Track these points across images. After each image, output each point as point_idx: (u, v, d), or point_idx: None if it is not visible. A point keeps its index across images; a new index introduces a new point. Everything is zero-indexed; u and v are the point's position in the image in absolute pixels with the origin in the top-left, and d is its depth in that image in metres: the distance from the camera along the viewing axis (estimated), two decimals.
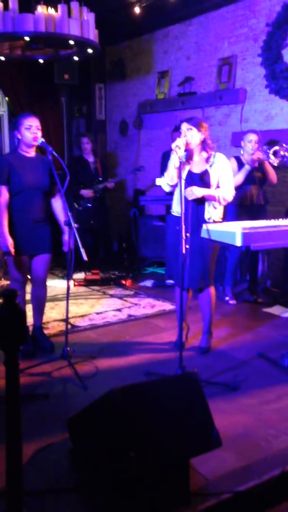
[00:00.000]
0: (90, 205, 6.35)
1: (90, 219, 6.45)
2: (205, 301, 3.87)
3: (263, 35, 5.49)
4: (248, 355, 3.82)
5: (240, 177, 4.83)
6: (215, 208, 3.66)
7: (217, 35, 6.07)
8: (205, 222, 3.60)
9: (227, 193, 3.64)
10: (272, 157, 4.69)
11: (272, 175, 4.89)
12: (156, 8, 5.89)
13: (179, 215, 3.67)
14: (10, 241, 3.60)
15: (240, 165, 4.91)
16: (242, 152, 4.97)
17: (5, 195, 3.63)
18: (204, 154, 3.67)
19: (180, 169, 3.36)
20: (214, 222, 3.63)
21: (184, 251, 3.19)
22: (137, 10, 5.87)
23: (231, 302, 5.15)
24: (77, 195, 6.33)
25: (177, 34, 6.63)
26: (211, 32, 6.14)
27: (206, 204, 3.65)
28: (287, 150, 4.61)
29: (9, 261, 3.72)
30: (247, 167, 4.80)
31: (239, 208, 4.96)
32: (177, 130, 3.66)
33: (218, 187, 3.65)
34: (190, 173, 3.67)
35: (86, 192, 6.34)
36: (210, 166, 3.65)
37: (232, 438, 2.64)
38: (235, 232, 3.15)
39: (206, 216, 3.65)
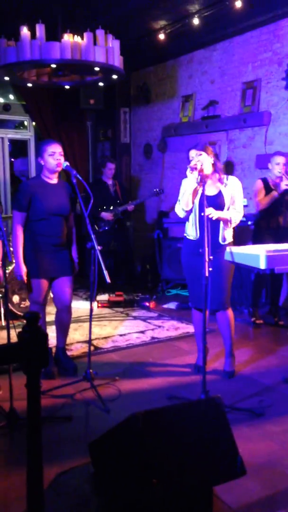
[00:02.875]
0: (107, 228, 6.34)
1: (110, 241, 6.47)
2: (224, 323, 3.84)
3: (287, 59, 5.52)
4: (273, 380, 3.75)
5: (266, 202, 4.82)
6: (225, 229, 3.67)
7: (241, 60, 6.13)
8: (219, 244, 3.61)
9: (238, 215, 3.67)
10: None
11: None
12: (181, 34, 5.98)
13: (194, 239, 3.69)
14: (24, 270, 3.70)
15: (267, 187, 4.90)
16: (269, 174, 4.96)
17: (22, 222, 3.70)
18: (217, 176, 3.69)
19: (202, 192, 3.39)
20: (229, 244, 3.64)
21: (207, 274, 3.17)
22: (161, 36, 5.97)
23: (258, 321, 5.09)
24: (97, 217, 6.35)
25: (201, 59, 6.71)
26: (235, 57, 6.20)
27: (221, 226, 3.65)
28: None
29: (32, 284, 3.76)
30: (274, 194, 4.78)
31: (264, 231, 4.93)
32: (195, 146, 3.68)
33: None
34: (204, 196, 3.69)
35: (106, 215, 6.33)
36: (225, 186, 3.67)
37: (257, 466, 2.57)
38: (259, 255, 3.14)
39: (221, 239, 3.65)
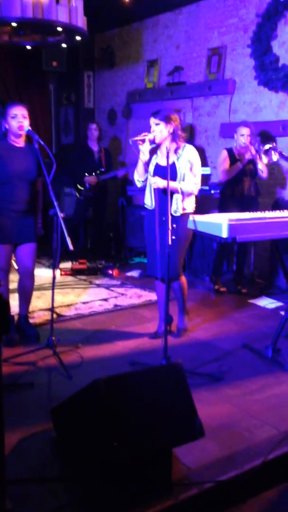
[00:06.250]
0: (92, 195, 6.24)
1: (88, 209, 6.39)
2: (176, 290, 3.95)
3: (252, 26, 5.47)
4: (233, 345, 3.85)
5: (230, 173, 4.86)
6: (182, 201, 3.66)
7: (207, 25, 6.04)
8: (170, 214, 3.62)
9: (190, 186, 3.64)
10: (263, 156, 4.68)
11: (264, 170, 4.90)
12: None
13: (150, 208, 3.72)
14: None
15: (232, 157, 4.92)
16: (234, 144, 4.97)
17: None
18: (174, 146, 3.66)
19: (146, 164, 3.41)
20: (185, 215, 3.64)
21: (170, 242, 3.19)
22: None
23: (222, 289, 5.18)
24: (80, 183, 6.23)
25: (167, 22, 6.58)
26: (201, 22, 6.10)
27: (175, 197, 3.66)
28: (277, 151, 4.60)
29: None
30: (239, 165, 4.82)
31: (229, 200, 4.98)
32: (154, 114, 3.65)
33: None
34: (157, 166, 3.69)
35: (90, 180, 6.21)
36: (177, 158, 3.65)
37: (215, 428, 2.66)
38: (221, 223, 3.16)
39: (173, 208, 3.65)
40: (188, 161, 3.65)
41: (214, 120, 6.05)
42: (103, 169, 6.31)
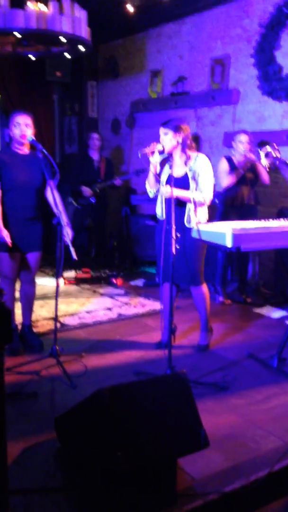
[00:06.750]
0: (93, 201, 6.23)
1: (87, 217, 6.39)
2: (198, 298, 3.88)
3: (256, 36, 5.49)
4: (238, 355, 3.82)
5: (231, 180, 4.85)
6: (194, 211, 3.65)
7: (210, 35, 6.07)
8: (184, 225, 3.62)
9: (202, 196, 3.62)
10: (263, 159, 4.68)
11: (265, 175, 4.91)
12: (149, 7, 5.87)
13: (161, 219, 3.74)
14: (5, 232, 3.56)
15: (231, 165, 4.93)
16: (233, 152, 4.98)
17: None
18: (184, 157, 3.66)
19: (156, 175, 3.42)
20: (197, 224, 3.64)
21: (174, 251, 3.18)
22: (130, 8, 5.84)
23: (227, 302, 5.15)
24: (77, 191, 6.23)
25: (170, 33, 6.62)
26: (205, 32, 6.13)
27: (187, 207, 3.66)
28: (278, 151, 4.60)
29: (1, 257, 3.69)
30: (240, 171, 4.81)
31: (229, 209, 4.98)
32: (164, 124, 3.66)
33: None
34: (170, 177, 3.69)
35: (86, 190, 6.23)
36: (190, 169, 3.65)
37: (220, 439, 2.63)
38: (225, 233, 3.15)
39: (186, 220, 3.65)
40: (200, 170, 3.64)
41: (218, 129, 6.06)
42: (99, 180, 6.32)
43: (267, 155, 4.57)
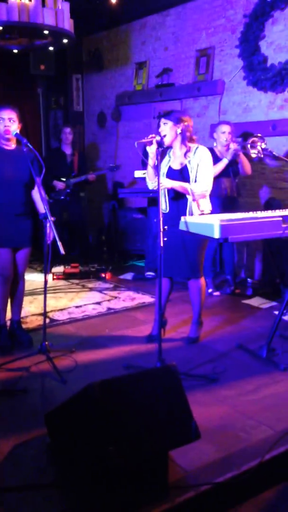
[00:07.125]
0: (62, 198, 6.20)
1: (63, 212, 6.34)
2: (194, 291, 3.88)
3: (240, 27, 5.48)
4: (227, 347, 3.83)
5: (217, 170, 4.83)
6: (195, 202, 3.63)
7: (194, 26, 6.04)
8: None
9: (200, 187, 3.61)
10: (251, 150, 4.67)
11: (247, 165, 4.90)
12: None
13: (165, 212, 3.70)
14: None
15: (214, 157, 4.91)
16: (215, 144, 4.96)
17: None
18: (183, 149, 3.65)
19: (156, 167, 3.39)
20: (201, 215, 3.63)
21: (162, 244, 3.17)
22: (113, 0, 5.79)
23: (215, 294, 5.16)
24: (50, 186, 6.20)
25: (155, 24, 6.58)
26: (189, 23, 6.10)
27: (189, 199, 3.64)
28: (264, 142, 4.61)
29: None
30: (225, 160, 4.80)
31: (212, 200, 4.95)
32: (159, 117, 3.65)
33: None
34: (170, 169, 3.67)
35: (58, 184, 6.19)
36: (189, 161, 3.64)
37: (211, 430, 2.64)
38: (213, 224, 3.15)
39: (188, 212, 3.64)
40: (199, 162, 3.62)
41: (204, 121, 6.05)
42: (73, 173, 6.28)
43: (253, 145, 4.57)
